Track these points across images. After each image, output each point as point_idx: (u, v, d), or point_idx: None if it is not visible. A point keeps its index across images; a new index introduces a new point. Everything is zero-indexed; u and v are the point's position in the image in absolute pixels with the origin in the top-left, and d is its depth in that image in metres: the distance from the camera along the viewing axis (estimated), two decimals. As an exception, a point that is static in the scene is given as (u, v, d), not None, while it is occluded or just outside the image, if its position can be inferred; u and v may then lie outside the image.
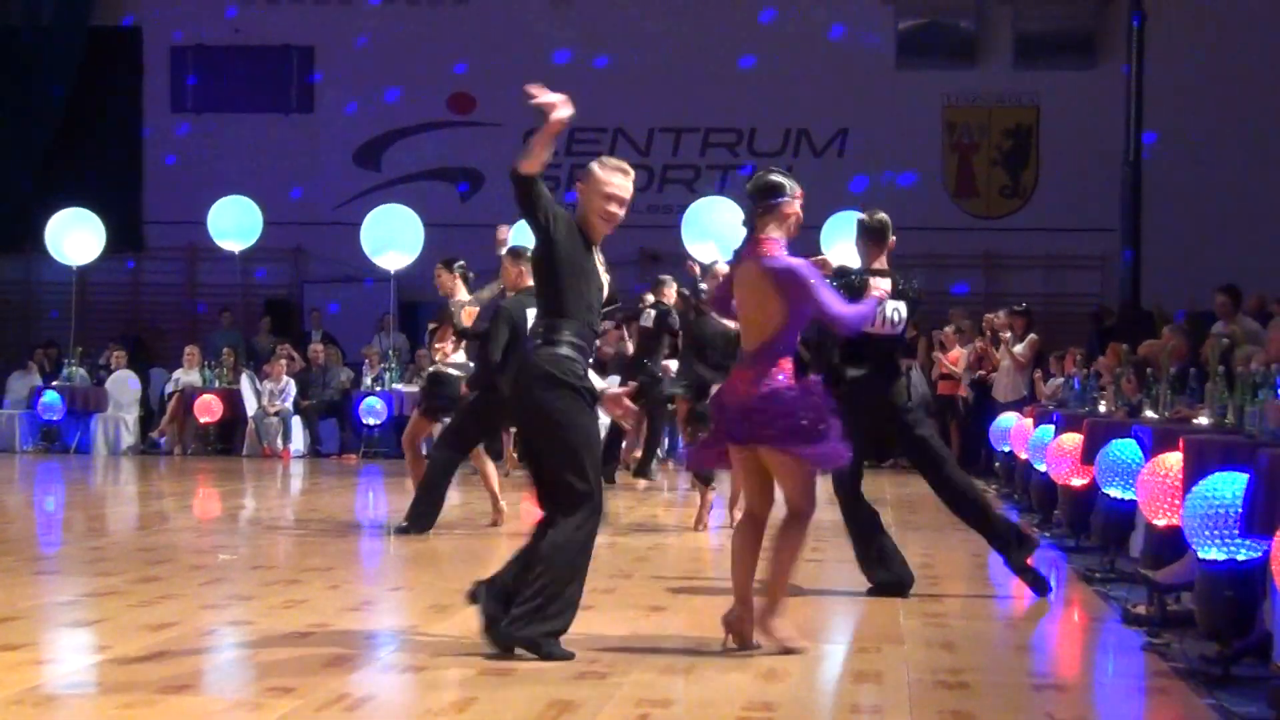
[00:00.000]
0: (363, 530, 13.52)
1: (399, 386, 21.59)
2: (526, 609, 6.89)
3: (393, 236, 21.59)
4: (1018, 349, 18.72)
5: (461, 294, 12.81)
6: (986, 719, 5.96)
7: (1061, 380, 16.61)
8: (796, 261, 7.30)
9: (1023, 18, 25.14)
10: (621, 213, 7.23)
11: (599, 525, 7.12)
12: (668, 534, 12.22)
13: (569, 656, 6.88)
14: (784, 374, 7.15)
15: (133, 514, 14.81)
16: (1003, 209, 25.49)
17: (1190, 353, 13.02)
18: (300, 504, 15.75)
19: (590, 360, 7.20)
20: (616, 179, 7.21)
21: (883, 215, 9.45)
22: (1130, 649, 7.54)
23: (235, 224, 22.76)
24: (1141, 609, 8.10)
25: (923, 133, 25.32)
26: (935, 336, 20.39)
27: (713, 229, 18.86)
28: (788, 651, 7.11)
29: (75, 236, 22.32)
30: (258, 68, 26.63)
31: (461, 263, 13.06)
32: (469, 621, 7.95)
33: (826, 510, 14.19)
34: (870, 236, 9.43)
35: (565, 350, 7.04)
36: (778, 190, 7.38)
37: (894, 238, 9.41)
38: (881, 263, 9.31)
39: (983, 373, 19.54)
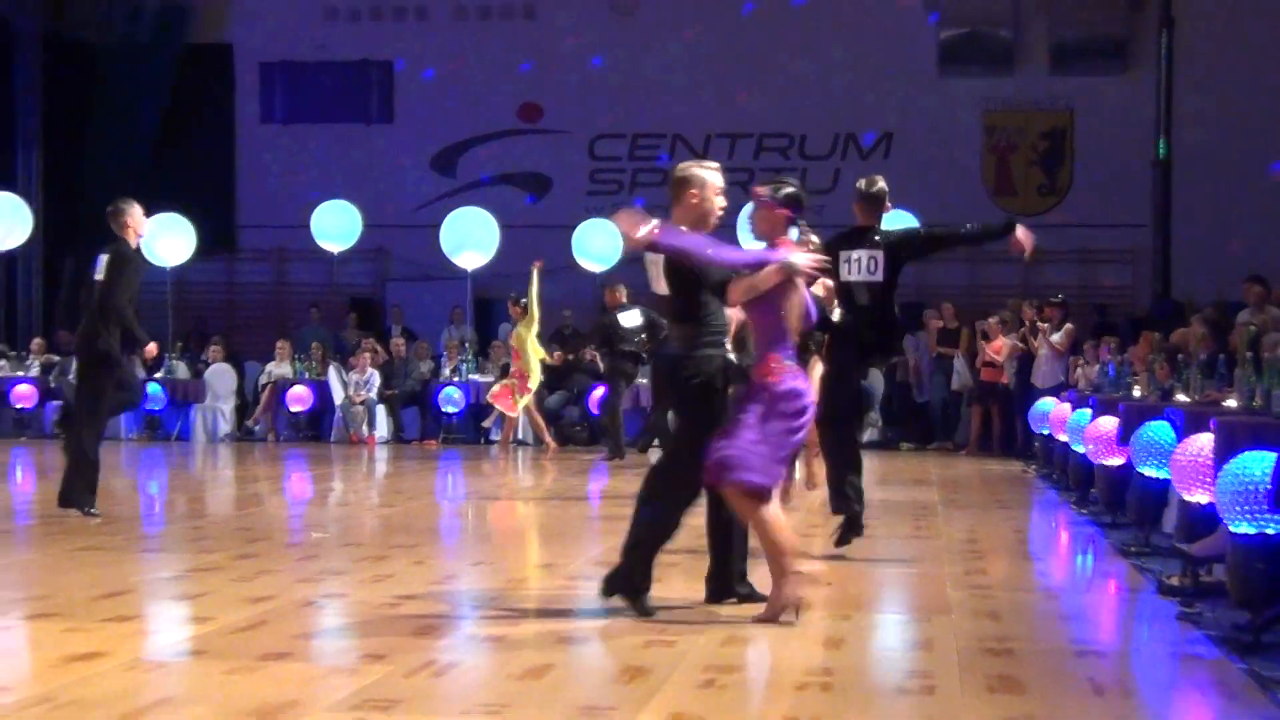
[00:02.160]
0: (444, 510, 13.61)
1: (475, 377, 21.69)
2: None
3: (470, 237, 21.75)
4: (1055, 337, 18.65)
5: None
6: (1031, 684, 5.94)
7: (1097, 367, 16.52)
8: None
9: (1058, 27, 25.02)
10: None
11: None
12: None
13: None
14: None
15: (230, 496, 14.91)
16: (1039, 206, 25.34)
17: (1218, 340, 12.94)
18: (385, 486, 15.83)
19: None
20: (720, 180, 7.51)
21: (881, 184, 9.71)
22: (1165, 618, 7.50)
23: (336, 227, 22.97)
24: (1176, 580, 8.07)
25: (964, 136, 25.25)
26: (979, 326, 20.32)
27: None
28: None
29: (167, 240, 22.40)
30: (341, 81, 26.77)
31: None
32: (545, 592, 7.99)
33: (874, 490, 14.21)
34: (860, 200, 9.71)
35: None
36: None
37: (890, 204, 9.71)
38: (872, 224, 9.62)
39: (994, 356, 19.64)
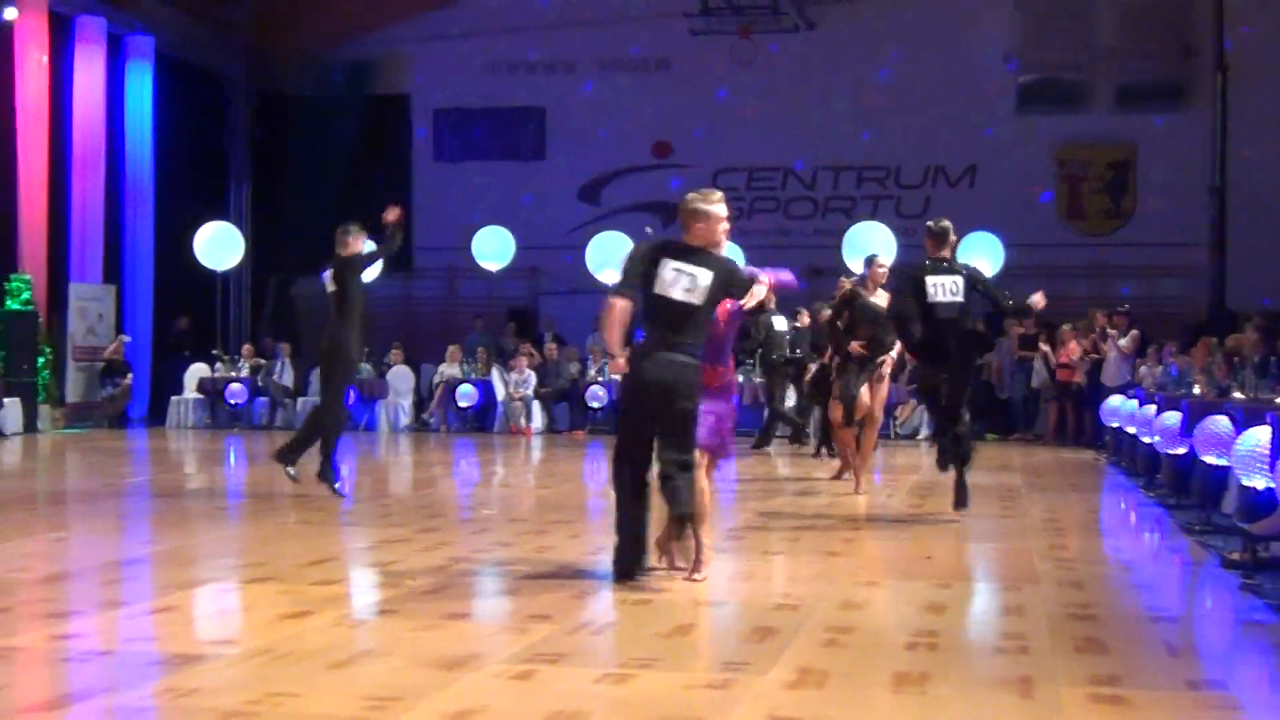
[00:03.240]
0: (591, 490, 13.63)
1: (615, 376, 21.71)
2: None
3: (611, 257, 21.80)
4: (1122, 342, 18.38)
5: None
6: (1112, 644, 5.84)
7: (1160, 368, 16.23)
8: None
9: (1123, 71, 24.59)
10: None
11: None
12: (835, 495, 12.12)
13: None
14: None
15: (411, 479, 15.04)
16: (1106, 228, 24.92)
17: (1268, 344, 12.66)
18: (541, 470, 15.90)
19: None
20: (723, 210, 7.48)
21: (946, 223, 9.92)
22: (1229, 588, 7.35)
23: (494, 249, 23.21)
24: (1237, 555, 7.89)
25: (1039, 166, 24.90)
26: (1056, 334, 20.08)
27: (867, 247, 18.76)
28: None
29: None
30: (501, 124, 26.94)
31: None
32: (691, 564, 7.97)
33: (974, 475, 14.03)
34: (930, 236, 9.94)
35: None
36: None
37: (955, 238, 9.92)
38: (945, 255, 9.84)
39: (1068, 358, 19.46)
